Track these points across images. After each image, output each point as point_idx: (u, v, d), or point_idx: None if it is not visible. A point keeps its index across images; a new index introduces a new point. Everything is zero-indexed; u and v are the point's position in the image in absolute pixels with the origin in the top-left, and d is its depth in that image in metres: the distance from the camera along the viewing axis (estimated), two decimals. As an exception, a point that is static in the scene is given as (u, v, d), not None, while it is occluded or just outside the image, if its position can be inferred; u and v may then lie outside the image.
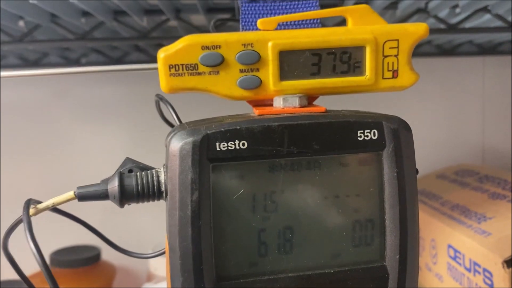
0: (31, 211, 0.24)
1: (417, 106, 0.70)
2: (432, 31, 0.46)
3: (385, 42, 0.26)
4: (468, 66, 0.71)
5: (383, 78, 0.26)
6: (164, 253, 0.28)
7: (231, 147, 0.23)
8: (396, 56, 0.26)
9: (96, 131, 0.69)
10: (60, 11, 0.41)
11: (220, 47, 0.25)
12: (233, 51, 0.25)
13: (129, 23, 0.47)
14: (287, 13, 0.27)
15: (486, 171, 0.59)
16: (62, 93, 0.68)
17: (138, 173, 0.25)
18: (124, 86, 0.68)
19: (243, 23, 0.27)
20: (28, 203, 0.25)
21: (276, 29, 0.26)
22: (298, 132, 0.24)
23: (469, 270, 0.44)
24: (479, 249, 0.43)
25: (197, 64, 0.25)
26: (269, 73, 0.26)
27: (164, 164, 0.25)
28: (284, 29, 0.27)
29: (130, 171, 0.25)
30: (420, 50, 0.65)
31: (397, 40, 0.26)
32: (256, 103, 0.27)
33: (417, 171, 0.26)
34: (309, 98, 0.27)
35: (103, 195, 0.25)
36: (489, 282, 0.41)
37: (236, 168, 0.24)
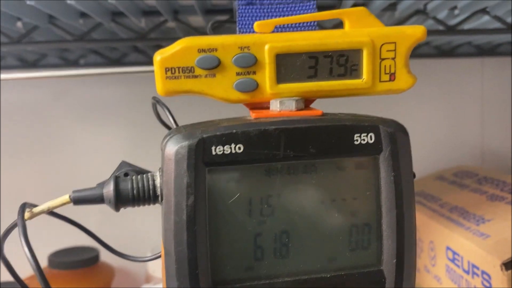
0: (26, 215, 0.24)
1: (416, 107, 0.70)
2: (431, 32, 0.46)
3: (382, 45, 0.26)
4: (467, 67, 0.71)
5: (380, 81, 0.26)
6: (160, 256, 0.28)
7: (227, 151, 0.23)
8: (393, 59, 0.26)
9: (95, 131, 0.69)
10: (58, 12, 0.41)
11: (216, 50, 0.25)
12: (230, 54, 0.25)
13: (127, 24, 0.47)
14: (284, 15, 0.27)
15: (485, 172, 0.58)
16: (61, 94, 0.68)
17: (133, 177, 0.25)
18: (124, 87, 0.68)
19: (240, 26, 0.27)
20: (23, 207, 0.24)
21: (273, 31, 0.26)
22: (295, 136, 0.24)
23: (467, 272, 0.44)
24: (477, 251, 0.43)
25: (193, 67, 0.25)
26: (266, 76, 0.25)
27: (160, 168, 0.25)
28: (281, 31, 0.27)
29: (126, 174, 0.25)
30: (419, 51, 0.65)
31: (395, 43, 0.26)
32: (253, 106, 0.27)
33: (414, 175, 0.26)
34: (306, 101, 0.27)
35: (98, 199, 0.25)
36: (487, 284, 0.41)
37: (232, 172, 0.24)
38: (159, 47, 0.55)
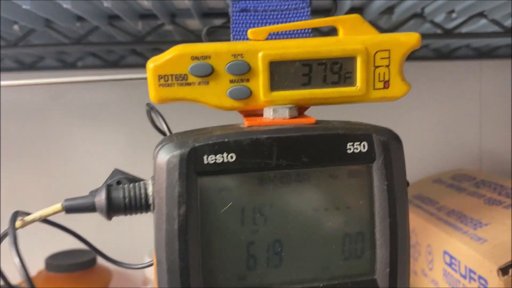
0: (18, 223, 0.24)
1: (414, 110, 0.70)
2: (429, 36, 0.45)
3: (376, 52, 0.26)
4: (465, 70, 0.71)
5: (374, 89, 0.26)
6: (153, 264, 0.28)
7: (219, 160, 0.23)
8: (387, 66, 0.26)
9: (93, 134, 0.69)
10: (54, 16, 0.41)
11: (210, 57, 0.25)
12: (223, 62, 0.25)
13: (124, 28, 0.47)
14: (278, 22, 0.27)
15: (482, 176, 0.58)
16: (58, 96, 0.68)
17: (125, 186, 0.25)
18: (121, 90, 0.68)
19: (233, 33, 0.27)
20: (15, 215, 0.24)
21: (267, 38, 0.26)
22: (287, 144, 0.24)
23: (464, 277, 0.44)
24: (474, 256, 0.43)
25: (186, 74, 0.25)
26: (259, 83, 0.25)
27: (152, 176, 0.24)
28: (275, 38, 0.27)
29: (119, 182, 0.25)
30: (417, 54, 0.65)
31: (389, 50, 0.26)
32: (247, 113, 0.27)
33: (407, 183, 0.25)
34: (300, 108, 0.27)
35: (90, 208, 0.25)
36: (484, 289, 0.41)
37: (224, 181, 0.24)
38: (157, 49, 0.55)
